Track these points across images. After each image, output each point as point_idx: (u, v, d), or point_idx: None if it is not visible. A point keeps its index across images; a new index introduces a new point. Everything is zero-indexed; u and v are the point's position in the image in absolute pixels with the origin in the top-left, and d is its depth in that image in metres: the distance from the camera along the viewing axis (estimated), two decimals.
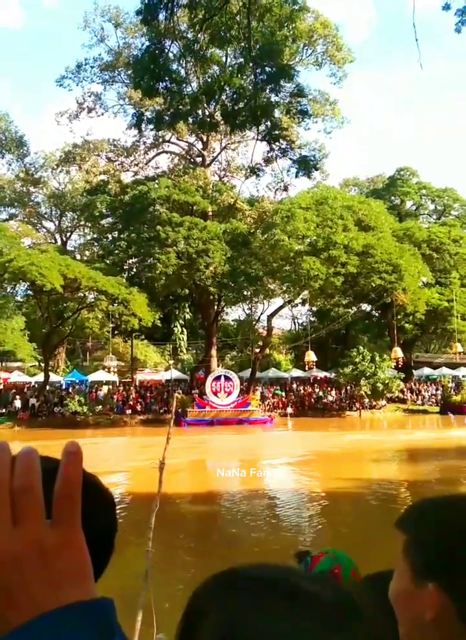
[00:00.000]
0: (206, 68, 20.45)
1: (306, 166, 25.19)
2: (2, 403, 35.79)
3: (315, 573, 0.51)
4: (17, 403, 35.46)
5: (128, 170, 47.40)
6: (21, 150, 51.05)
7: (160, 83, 16.95)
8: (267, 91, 17.68)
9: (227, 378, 36.65)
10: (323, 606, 0.50)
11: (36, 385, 39.63)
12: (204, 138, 43.49)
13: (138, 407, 37.30)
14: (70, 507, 0.45)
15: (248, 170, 38.95)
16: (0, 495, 0.44)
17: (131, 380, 41.94)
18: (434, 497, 1.01)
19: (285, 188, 37.60)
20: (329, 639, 0.48)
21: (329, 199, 36.52)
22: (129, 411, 36.66)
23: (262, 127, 17.96)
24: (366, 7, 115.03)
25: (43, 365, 38.88)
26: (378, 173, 61.25)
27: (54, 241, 52.01)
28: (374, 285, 35.23)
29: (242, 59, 17.97)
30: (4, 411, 35.09)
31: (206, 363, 40.89)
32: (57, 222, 53.91)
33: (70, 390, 38.79)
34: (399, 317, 39.42)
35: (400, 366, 38.37)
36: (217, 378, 36.65)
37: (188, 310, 48.61)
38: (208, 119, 29.43)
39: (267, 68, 16.45)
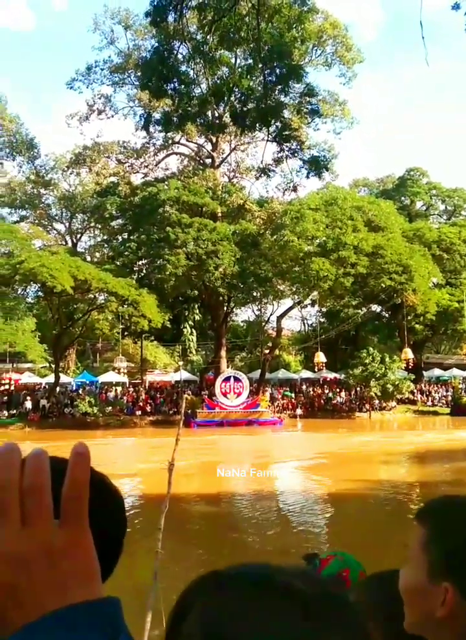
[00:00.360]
0: (215, 70, 20.46)
1: (317, 166, 25.19)
2: (13, 404, 36.00)
3: (301, 570, 0.51)
4: (28, 404, 35.66)
5: (138, 172, 47.58)
6: (32, 152, 51.31)
7: (169, 85, 17.02)
8: (277, 91, 17.70)
9: (236, 379, 36.64)
10: (308, 601, 0.50)
11: (47, 386, 39.79)
12: (214, 140, 43.54)
13: (148, 408, 37.36)
14: (78, 508, 0.46)
15: (259, 171, 39.00)
16: (9, 496, 0.44)
17: (140, 381, 42.03)
18: (456, 495, 1.01)
19: (295, 189, 37.51)
20: (314, 632, 0.48)
21: (338, 200, 36.43)
22: (138, 412, 36.73)
23: (272, 128, 17.98)
24: (373, 8, 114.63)
25: (53, 366, 39.05)
26: (388, 174, 61.02)
27: (64, 243, 52.22)
28: (384, 286, 35.11)
29: (251, 61, 18.00)
30: (15, 411, 35.30)
31: (216, 364, 40.90)
32: (67, 224, 54.13)
33: (80, 391, 38.91)
34: (409, 317, 39.26)
35: (410, 367, 38.20)
36: (227, 379, 36.66)
37: (197, 311, 48.65)
38: (217, 121, 29.47)
39: (277, 70, 16.46)
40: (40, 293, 39.19)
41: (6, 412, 34.92)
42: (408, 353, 37.60)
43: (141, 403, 37.64)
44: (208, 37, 16.65)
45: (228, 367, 41.44)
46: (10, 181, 52.02)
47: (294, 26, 17.19)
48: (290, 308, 44.33)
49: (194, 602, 0.53)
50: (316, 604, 0.50)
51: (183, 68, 18.34)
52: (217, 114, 33.00)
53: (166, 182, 39.73)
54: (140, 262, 40.19)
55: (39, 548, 0.44)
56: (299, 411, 38.94)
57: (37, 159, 51.86)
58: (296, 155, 23.66)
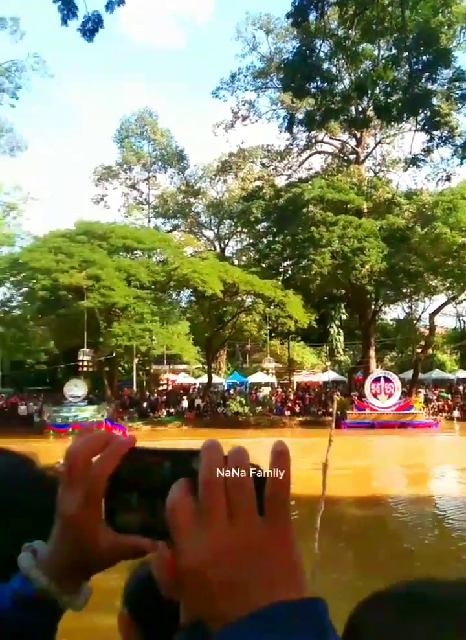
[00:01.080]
0: (358, 64, 20.09)
1: None
2: (171, 403, 38.20)
3: (459, 582, 0.53)
4: (184, 404, 37.64)
5: (282, 174, 48.15)
6: (182, 163, 54.21)
7: (311, 83, 17.02)
8: (423, 79, 16.96)
9: (387, 380, 35.50)
10: None
11: (200, 386, 41.75)
12: (358, 135, 42.72)
13: (297, 409, 37.56)
14: (282, 506, 0.46)
15: (408, 162, 37.46)
16: (217, 492, 0.45)
17: (288, 382, 42.39)
18: None
19: (448, 178, 35.41)
20: None
21: None
22: (287, 412, 37.05)
23: (420, 117, 17.24)
24: None
25: (206, 367, 40.78)
26: None
27: (213, 249, 54.29)
28: None
29: (395, 51, 17.40)
30: (172, 410, 37.42)
31: (364, 364, 40.03)
32: (215, 230, 56.23)
33: (231, 391, 40.24)
34: None
35: None
36: (377, 380, 35.65)
37: (343, 311, 47.95)
38: (361, 115, 28.86)
39: (423, 57, 15.76)
40: (192, 298, 41.23)
41: (165, 411, 37.14)
42: None
43: (290, 404, 37.94)
44: (350, 31, 16.41)
45: (377, 367, 40.34)
46: (162, 192, 55.39)
47: (440, 10, 16.39)
48: (444, 304, 42.03)
49: (365, 617, 0.55)
50: None
51: (325, 65, 18.23)
52: (360, 109, 32.30)
53: (310, 182, 39.68)
54: (285, 263, 40.60)
55: (248, 542, 0.45)
56: (456, 413, 36.75)
57: (187, 170, 54.70)
58: (447, 142, 22.37)
